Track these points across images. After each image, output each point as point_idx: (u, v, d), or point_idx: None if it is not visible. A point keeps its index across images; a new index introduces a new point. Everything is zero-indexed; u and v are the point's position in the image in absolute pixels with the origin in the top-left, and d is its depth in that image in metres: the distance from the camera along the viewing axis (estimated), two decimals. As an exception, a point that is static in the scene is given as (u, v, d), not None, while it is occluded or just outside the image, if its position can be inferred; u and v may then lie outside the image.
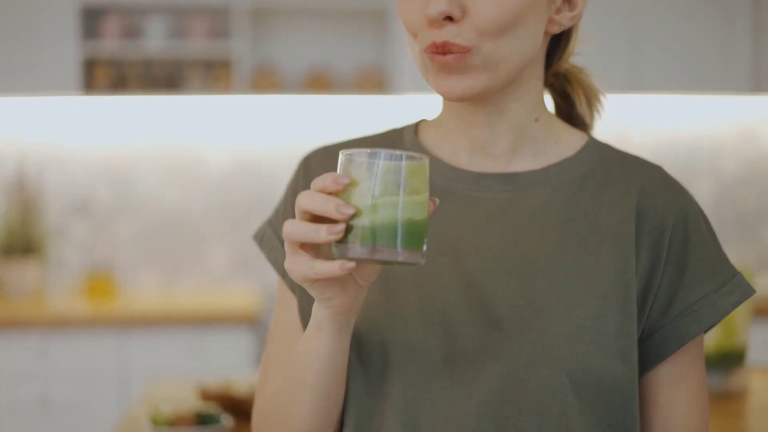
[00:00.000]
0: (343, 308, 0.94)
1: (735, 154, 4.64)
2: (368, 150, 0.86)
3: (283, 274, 1.11)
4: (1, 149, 4.29)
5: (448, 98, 1.01)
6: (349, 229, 0.85)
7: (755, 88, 4.27)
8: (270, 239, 1.14)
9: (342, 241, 0.86)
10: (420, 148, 1.11)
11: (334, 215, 0.85)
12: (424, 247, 0.88)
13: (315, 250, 0.90)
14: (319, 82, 4.25)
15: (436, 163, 1.09)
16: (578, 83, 1.14)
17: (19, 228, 4.14)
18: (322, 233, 0.85)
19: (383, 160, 0.86)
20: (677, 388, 1.05)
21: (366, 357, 1.02)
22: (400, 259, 0.86)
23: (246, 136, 4.40)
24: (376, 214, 0.85)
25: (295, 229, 0.87)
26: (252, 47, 4.26)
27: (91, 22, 4.17)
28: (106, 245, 4.37)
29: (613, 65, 4.13)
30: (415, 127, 1.14)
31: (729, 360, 2.38)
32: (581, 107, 1.14)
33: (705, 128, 4.62)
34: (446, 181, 1.08)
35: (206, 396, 2.23)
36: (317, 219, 0.88)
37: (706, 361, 2.41)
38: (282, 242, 1.11)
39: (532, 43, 1.01)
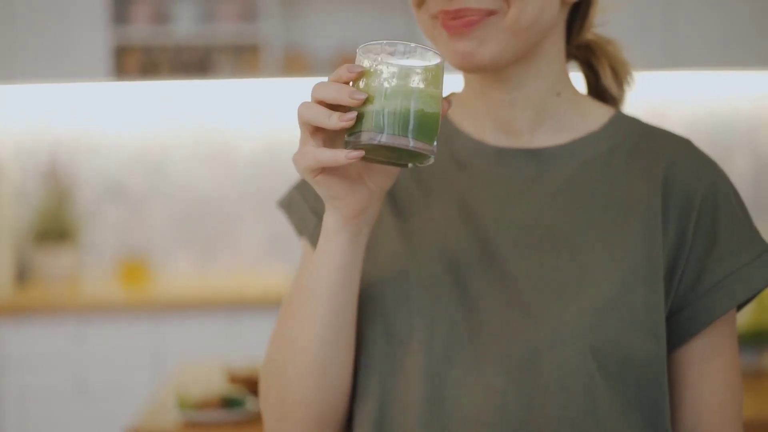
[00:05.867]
0: (352, 211, 0.93)
1: (773, 129, 4.57)
2: (385, 42, 0.87)
3: (308, 234, 1.09)
4: (33, 136, 4.33)
5: (460, 68, 0.99)
6: (361, 118, 0.86)
7: (793, 62, 4.19)
8: (298, 205, 1.12)
9: (354, 132, 0.86)
10: (448, 123, 1.09)
11: (346, 101, 0.85)
12: (435, 143, 0.88)
13: (329, 143, 0.89)
14: (348, 63, 4.23)
15: (459, 136, 1.08)
16: (603, 54, 1.11)
17: (54, 214, 4.17)
18: (333, 119, 0.85)
19: (399, 52, 0.87)
20: (707, 366, 1.02)
21: (389, 328, 1.00)
22: (410, 146, 0.86)
23: (277, 120, 4.40)
24: (388, 102, 0.85)
25: (308, 110, 0.87)
26: (281, 30, 4.25)
27: (121, 8, 4.18)
28: (140, 230, 4.39)
29: (649, 42, 4.08)
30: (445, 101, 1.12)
31: (762, 338, 2.35)
32: (606, 79, 1.11)
33: (742, 104, 4.55)
34: (468, 155, 1.06)
35: (234, 379, 2.23)
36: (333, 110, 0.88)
37: (739, 339, 2.38)
38: (311, 209, 1.10)
39: (551, 11, 0.99)
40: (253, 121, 4.40)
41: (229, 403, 2.11)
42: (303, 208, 1.11)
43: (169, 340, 3.85)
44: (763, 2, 4.16)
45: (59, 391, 3.82)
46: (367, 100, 0.85)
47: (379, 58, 0.87)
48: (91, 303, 3.83)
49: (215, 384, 2.36)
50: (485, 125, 1.07)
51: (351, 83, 0.88)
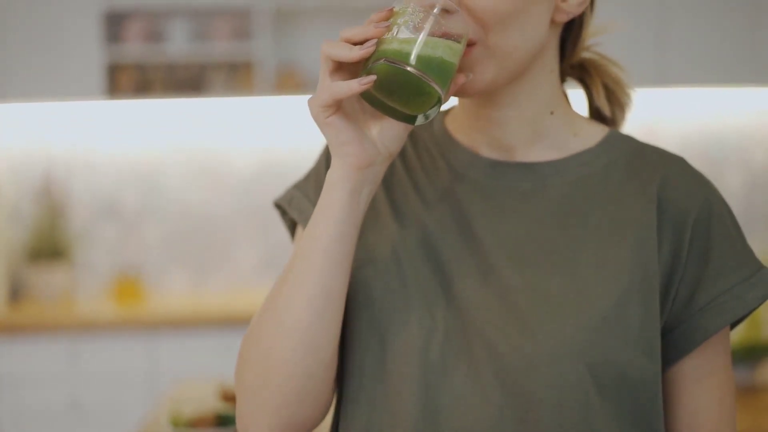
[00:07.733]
0: (358, 161, 0.94)
1: (764, 146, 4.59)
2: None
3: (306, 223, 1.09)
4: (27, 154, 4.33)
5: (456, 96, 1.00)
6: (381, 54, 0.90)
7: (783, 79, 4.21)
8: (298, 200, 1.12)
9: (372, 64, 0.90)
10: (446, 135, 1.10)
11: (371, 33, 0.89)
12: (445, 90, 0.91)
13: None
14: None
15: (456, 148, 1.08)
16: (597, 73, 1.12)
17: (48, 233, 4.17)
18: (355, 50, 0.89)
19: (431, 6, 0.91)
20: (701, 384, 1.03)
21: (384, 334, 1.01)
22: (421, 75, 0.89)
23: (270, 137, 4.41)
24: (410, 44, 0.89)
25: (331, 45, 0.91)
26: (274, 48, 4.26)
27: (115, 26, 4.19)
28: (134, 248, 4.39)
29: (640, 60, 4.09)
30: (445, 113, 1.13)
31: (755, 353, 2.35)
32: (599, 99, 1.11)
33: (733, 121, 4.57)
34: (465, 166, 1.07)
35: (228, 397, 2.23)
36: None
37: (732, 355, 2.37)
38: (312, 203, 1.10)
39: (537, 33, 0.99)
40: (247, 138, 4.41)
41: (223, 421, 2.11)
42: (303, 203, 1.11)
43: (163, 358, 3.84)
44: (754, 20, 4.18)
45: (53, 410, 3.81)
46: (388, 39, 0.89)
47: (410, 3, 0.90)
48: (85, 321, 3.83)
49: (209, 402, 2.35)
50: (480, 141, 1.08)
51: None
